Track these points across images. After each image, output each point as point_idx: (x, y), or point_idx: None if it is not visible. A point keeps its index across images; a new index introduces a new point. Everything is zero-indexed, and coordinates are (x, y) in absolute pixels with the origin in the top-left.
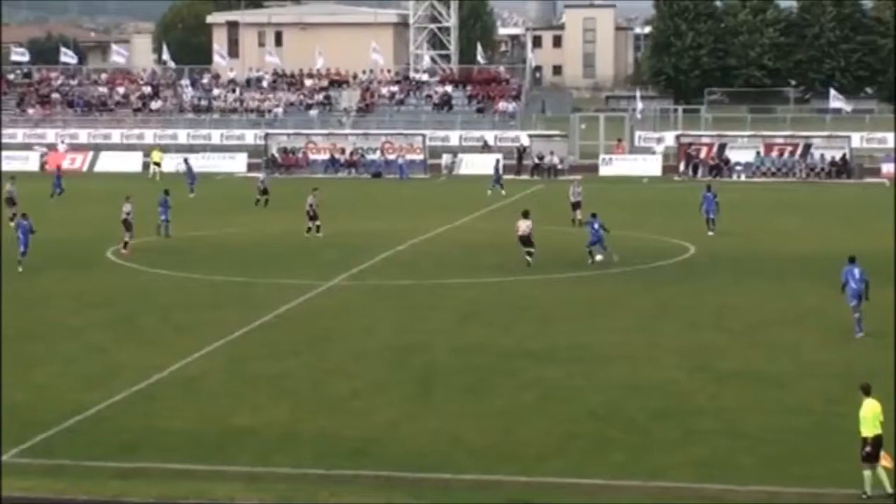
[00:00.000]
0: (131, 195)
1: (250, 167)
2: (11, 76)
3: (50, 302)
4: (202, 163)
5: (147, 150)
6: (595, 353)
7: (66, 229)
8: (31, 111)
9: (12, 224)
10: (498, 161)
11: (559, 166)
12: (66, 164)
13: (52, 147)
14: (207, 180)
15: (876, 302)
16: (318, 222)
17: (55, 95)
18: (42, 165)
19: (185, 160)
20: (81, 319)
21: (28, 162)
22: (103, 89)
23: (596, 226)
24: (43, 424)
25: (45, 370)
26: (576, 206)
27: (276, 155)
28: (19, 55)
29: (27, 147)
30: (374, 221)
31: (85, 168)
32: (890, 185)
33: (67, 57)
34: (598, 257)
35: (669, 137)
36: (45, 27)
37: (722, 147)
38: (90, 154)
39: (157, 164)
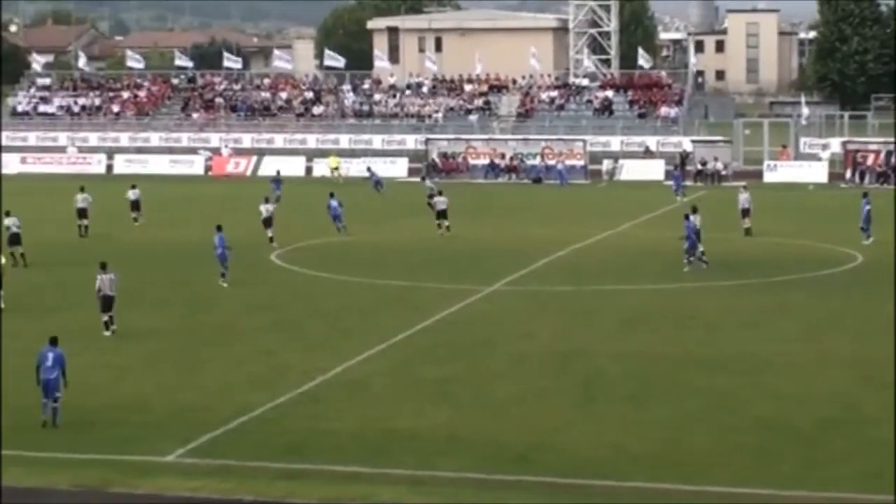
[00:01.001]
0: (269, 196)
1: (411, 172)
2: (176, 81)
3: (218, 305)
4: (362, 167)
5: (310, 156)
6: (761, 362)
7: (232, 233)
8: (195, 115)
9: (137, 223)
10: (675, 167)
11: (723, 172)
12: (229, 168)
13: (216, 151)
14: (366, 184)
15: None
16: (446, 222)
17: (219, 100)
18: (207, 169)
19: (369, 168)
20: (248, 322)
21: (193, 166)
22: (266, 94)
23: (691, 225)
24: (210, 425)
25: (213, 372)
26: (745, 213)
27: (437, 160)
28: (183, 61)
29: (192, 151)
30: (535, 227)
31: (249, 172)
32: None
33: (231, 62)
34: (694, 263)
35: (835, 144)
36: (208, 33)
37: (889, 154)
38: (254, 158)
39: (336, 169)
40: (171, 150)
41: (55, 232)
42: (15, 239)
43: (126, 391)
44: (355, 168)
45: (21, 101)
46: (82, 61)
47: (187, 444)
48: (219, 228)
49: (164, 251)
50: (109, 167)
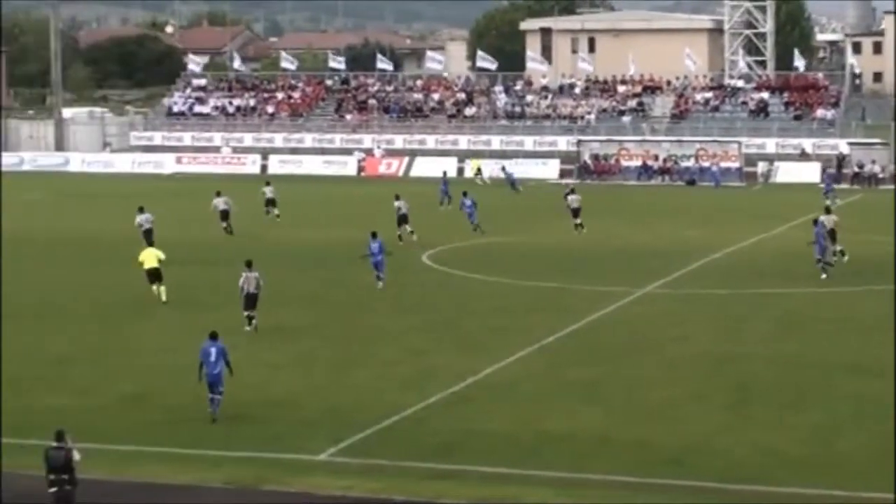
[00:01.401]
0: (400, 195)
1: (562, 174)
2: (329, 82)
3: (370, 305)
4: (514, 169)
5: (462, 157)
6: None
7: (383, 234)
8: (348, 117)
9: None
10: (829, 170)
11: (880, 175)
12: (382, 169)
13: (368, 152)
14: (510, 185)
15: None
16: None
17: (372, 101)
18: (359, 170)
19: (504, 167)
20: (399, 322)
21: (346, 167)
22: (418, 96)
23: (819, 229)
24: (361, 424)
25: (365, 372)
26: None
27: (589, 161)
28: (337, 62)
29: (345, 152)
30: (688, 229)
31: (401, 173)
32: None
33: (384, 63)
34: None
35: None
36: (361, 34)
37: None
38: (406, 159)
39: (479, 172)
40: (324, 151)
41: (206, 231)
42: (148, 235)
43: (278, 389)
44: (507, 170)
45: (177, 101)
46: (237, 62)
47: (339, 442)
48: (374, 235)
49: (316, 251)
50: (264, 167)
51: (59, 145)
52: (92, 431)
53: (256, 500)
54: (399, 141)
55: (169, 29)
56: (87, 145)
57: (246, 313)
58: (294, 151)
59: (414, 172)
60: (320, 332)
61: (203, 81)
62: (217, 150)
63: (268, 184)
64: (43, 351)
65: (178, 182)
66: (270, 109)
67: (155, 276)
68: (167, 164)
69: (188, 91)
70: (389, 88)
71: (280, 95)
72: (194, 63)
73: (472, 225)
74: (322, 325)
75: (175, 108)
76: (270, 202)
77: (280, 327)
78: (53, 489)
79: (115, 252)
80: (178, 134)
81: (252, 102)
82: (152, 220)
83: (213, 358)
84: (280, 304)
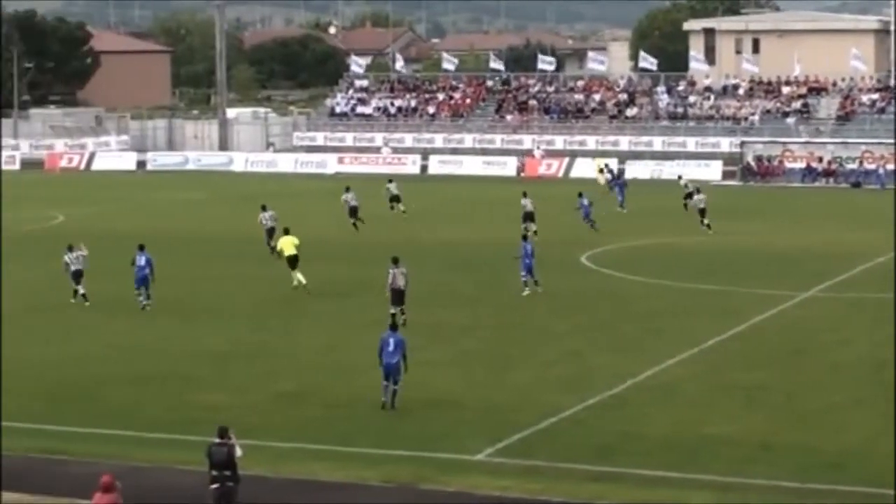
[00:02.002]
0: (527, 192)
1: (724, 175)
2: (490, 83)
3: (528, 305)
4: (677, 170)
5: (622, 158)
6: None
7: (541, 234)
8: (508, 118)
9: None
10: None
11: None
12: (541, 171)
13: (528, 153)
14: (680, 189)
15: None
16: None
17: (532, 102)
18: (519, 171)
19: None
20: (558, 323)
21: (506, 167)
22: (579, 96)
23: None
24: (519, 424)
25: (524, 373)
26: None
27: (752, 163)
28: (497, 63)
29: (505, 153)
30: (853, 232)
31: (560, 174)
32: None
33: (544, 64)
34: None
35: None
36: (523, 35)
37: None
38: (565, 160)
39: (602, 171)
40: (484, 152)
41: (362, 229)
42: (271, 233)
43: (436, 388)
44: (668, 171)
45: (339, 102)
46: (399, 63)
47: (497, 443)
48: (524, 238)
49: (474, 251)
50: (424, 168)
51: (223, 145)
52: (251, 428)
53: (414, 498)
54: (559, 142)
55: (332, 30)
56: (250, 145)
57: (392, 309)
58: (454, 152)
59: (574, 173)
60: (478, 332)
61: (365, 82)
62: (378, 150)
63: (390, 181)
64: (204, 348)
65: (340, 182)
66: (431, 110)
67: (293, 262)
68: (329, 164)
69: (350, 92)
70: (550, 89)
71: (441, 96)
72: (357, 64)
73: (588, 223)
74: (480, 324)
75: (337, 109)
76: (395, 198)
77: (438, 326)
78: (215, 485)
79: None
80: (340, 134)
81: (413, 103)
82: (276, 217)
83: (391, 348)
84: (438, 303)
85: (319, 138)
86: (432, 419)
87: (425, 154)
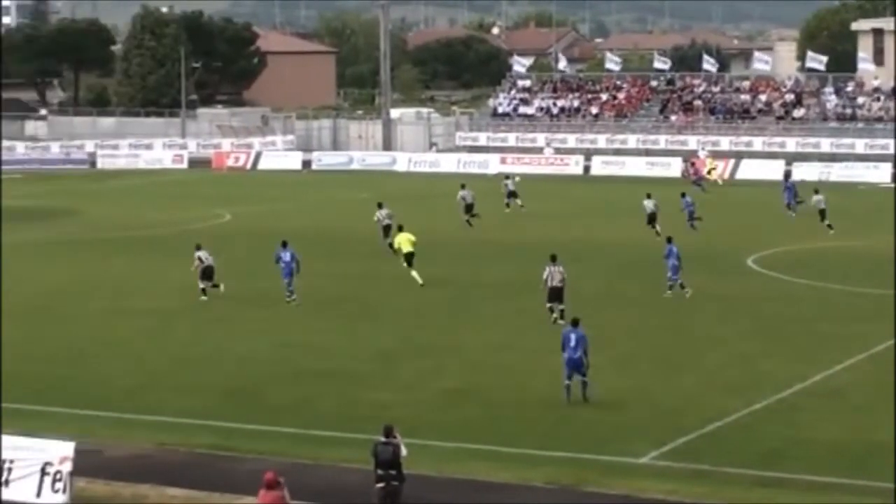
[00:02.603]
0: (651, 193)
1: (894, 178)
2: (654, 83)
3: (694, 309)
4: (844, 172)
5: (789, 160)
6: None
7: (708, 237)
8: (673, 118)
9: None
10: None
11: None
12: (705, 172)
13: (692, 154)
14: (849, 191)
15: None
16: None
17: (697, 102)
18: (683, 173)
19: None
20: (726, 327)
21: (670, 168)
22: (745, 97)
23: None
24: (685, 428)
25: (690, 376)
26: None
27: None
28: (662, 63)
29: (670, 153)
30: None
31: (726, 175)
32: None
33: (709, 64)
34: None
35: None
36: (688, 35)
37: None
38: (731, 162)
39: (713, 170)
40: (647, 153)
41: (525, 230)
42: (387, 230)
43: (599, 390)
44: (836, 173)
45: (502, 102)
46: (562, 63)
47: (662, 446)
48: (669, 240)
49: (638, 253)
50: (587, 168)
51: (387, 145)
52: (416, 426)
53: (577, 500)
54: (725, 143)
55: (495, 30)
56: (413, 145)
57: (548, 305)
58: (617, 153)
59: (739, 175)
60: (643, 334)
61: (528, 82)
62: (540, 150)
63: (507, 177)
64: (371, 346)
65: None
66: (594, 110)
67: (409, 259)
68: (492, 165)
69: (513, 92)
70: (716, 89)
71: (604, 96)
72: (520, 64)
73: (690, 222)
74: (646, 327)
75: (500, 109)
76: (512, 194)
77: (603, 328)
78: (381, 484)
79: (443, 249)
80: (502, 135)
81: (576, 103)
82: (392, 215)
83: (572, 343)
84: (603, 305)
85: (482, 138)
86: (596, 421)
87: (588, 155)
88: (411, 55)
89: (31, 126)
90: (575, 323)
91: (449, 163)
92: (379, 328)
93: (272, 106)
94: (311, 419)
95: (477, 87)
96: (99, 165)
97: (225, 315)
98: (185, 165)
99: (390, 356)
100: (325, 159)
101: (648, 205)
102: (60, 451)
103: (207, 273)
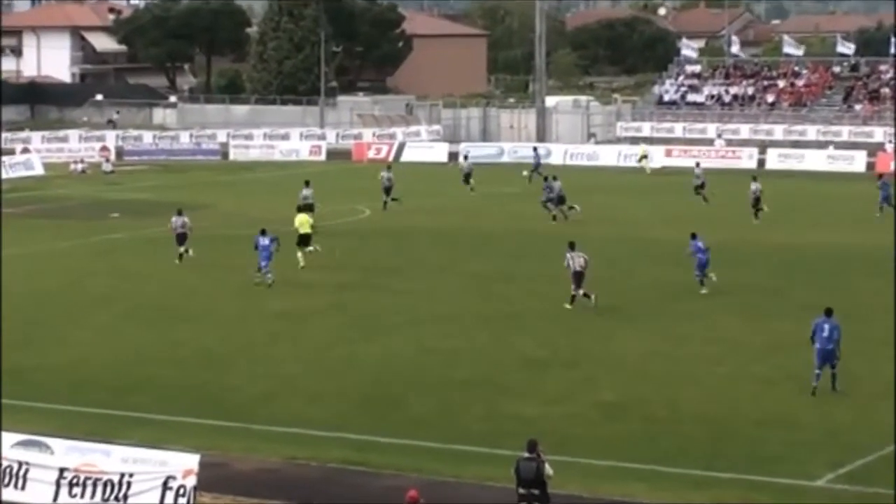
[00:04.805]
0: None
1: None
2: (837, 69)
3: (874, 315)
4: None
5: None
6: None
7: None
8: (857, 107)
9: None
10: None
11: None
12: (893, 166)
13: (879, 147)
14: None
15: None
16: None
17: (885, 90)
18: (868, 166)
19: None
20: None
21: (853, 163)
22: None
23: None
24: (863, 448)
25: (868, 389)
26: None
27: None
28: (846, 47)
29: (853, 146)
30: None
31: None
32: None
33: None
34: None
35: None
36: (874, 17)
37: None
38: None
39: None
40: (829, 145)
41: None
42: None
43: (770, 405)
44: None
45: (668, 89)
46: (735, 47)
47: (838, 468)
48: (693, 236)
49: (814, 253)
50: (761, 162)
51: (541, 136)
52: (565, 441)
53: None
54: None
55: (662, 11)
56: (570, 136)
57: (574, 289)
58: (795, 145)
59: None
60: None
61: (697, 68)
62: (710, 142)
63: (555, 178)
64: (518, 353)
65: (665, 176)
66: (770, 98)
67: (305, 240)
68: (656, 157)
69: (681, 78)
70: None
71: (781, 83)
72: (688, 48)
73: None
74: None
75: (666, 97)
76: (563, 203)
77: (772, 335)
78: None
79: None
80: (668, 125)
81: (750, 91)
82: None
83: (825, 333)
84: (772, 311)
85: (645, 128)
86: (765, 439)
87: (763, 147)
88: (569, 38)
89: (160, 114)
90: (829, 312)
91: (608, 155)
92: (528, 334)
93: (417, 93)
94: (451, 433)
95: (641, 73)
96: (231, 157)
97: (362, 317)
98: (322, 157)
99: (540, 365)
100: (475, 151)
101: (754, 187)
102: (184, 464)
103: (181, 238)
